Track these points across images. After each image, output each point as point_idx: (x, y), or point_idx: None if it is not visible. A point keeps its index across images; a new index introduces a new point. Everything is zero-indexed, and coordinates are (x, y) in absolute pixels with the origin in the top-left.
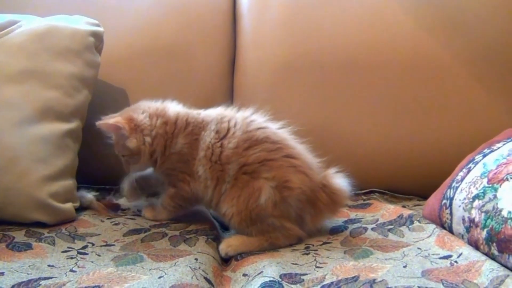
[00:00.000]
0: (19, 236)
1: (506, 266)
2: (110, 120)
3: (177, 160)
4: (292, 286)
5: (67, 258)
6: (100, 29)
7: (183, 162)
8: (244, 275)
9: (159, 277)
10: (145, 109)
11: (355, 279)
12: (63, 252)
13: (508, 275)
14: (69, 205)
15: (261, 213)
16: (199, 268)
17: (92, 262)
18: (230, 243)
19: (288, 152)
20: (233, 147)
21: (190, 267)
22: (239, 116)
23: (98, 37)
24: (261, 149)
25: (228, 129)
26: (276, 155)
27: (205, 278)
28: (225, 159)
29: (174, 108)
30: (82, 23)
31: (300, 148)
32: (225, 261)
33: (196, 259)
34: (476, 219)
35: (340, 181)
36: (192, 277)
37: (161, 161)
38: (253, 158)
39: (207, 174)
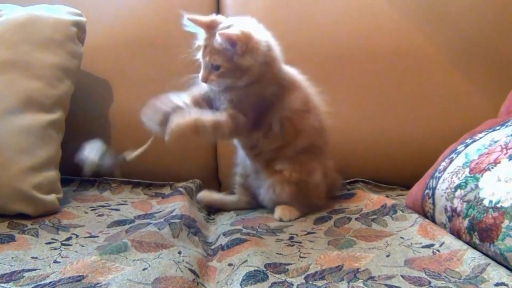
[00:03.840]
0: (2, 228)
1: (487, 255)
2: (231, 31)
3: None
4: (277, 275)
5: (51, 249)
6: (83, 19)
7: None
8: (230, 264)
9: (143, 269)
10: (263, 34)
11: (339, 268)
12: (46, 243)
13: (489, 264)
14: (52, 197)
15: (311, 190)
16: (183, 261)
17: (76, 251)
18: (284, 211)
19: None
20: (316, 126)
21: (173, 260)
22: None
23: (80, 27)
24: (323, 135)
25: (314, 107)
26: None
27: (190, 270)
28: (303, 130)
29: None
30: (64, 13)
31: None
32: (211, 252)
33: (180, 252)
34: (458, 209)
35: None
36: (176, 270)
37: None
38: (319, 141)
39: (280, 127)
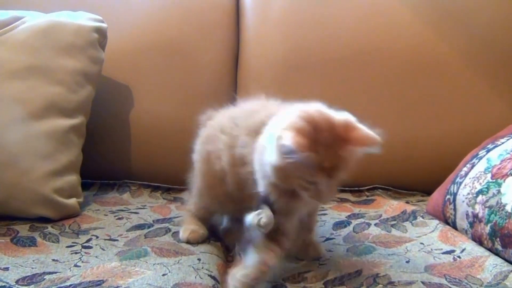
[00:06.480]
0: (23, 231)
1: (509, 262)
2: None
3: None
4: (295, 285)
5: (71, 253)
6: (104, 25)
7: None
8: None
9: (163, 274)
10: None
11: (358, 273)
12: (67, 247)
13: (511, 270)
14: (73, 201)
15: None
16: (202, 267)
17: (96, 257)
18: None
19: None
20: None
21: (193, 267)
22: None
23: (102, 33)
24: None
25: None
26: None
27: (210, 276)
28: None
29: None
30: (86, 19)
31: None
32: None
33: (199, 259)
34: (480, 214)
35: None
36: (195, 276)
37: None
38: None
39: None
